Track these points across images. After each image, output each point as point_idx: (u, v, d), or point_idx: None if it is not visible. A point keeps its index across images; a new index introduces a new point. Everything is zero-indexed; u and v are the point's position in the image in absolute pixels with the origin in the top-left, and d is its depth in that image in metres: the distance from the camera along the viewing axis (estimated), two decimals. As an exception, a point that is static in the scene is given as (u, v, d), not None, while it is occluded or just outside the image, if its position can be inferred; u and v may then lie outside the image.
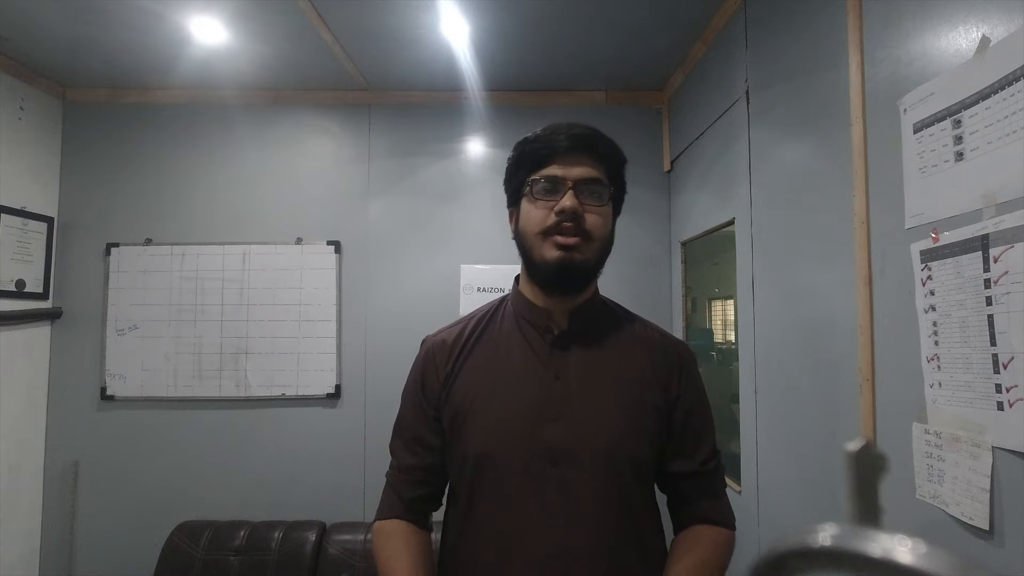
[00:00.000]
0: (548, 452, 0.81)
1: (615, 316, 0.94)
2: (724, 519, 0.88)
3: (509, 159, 0.89)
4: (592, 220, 0.82)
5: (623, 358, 0.88)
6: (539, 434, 0.82)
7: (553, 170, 0.82)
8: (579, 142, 0.83)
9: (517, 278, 0.94)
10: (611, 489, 0.81)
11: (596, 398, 0.84)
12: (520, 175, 0.87)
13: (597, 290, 0.93)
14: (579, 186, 0.82)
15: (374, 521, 0.91)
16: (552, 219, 0.81)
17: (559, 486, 0.80)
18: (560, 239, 0.81)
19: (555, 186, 0.82)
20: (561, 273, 0.83)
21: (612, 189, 0.86)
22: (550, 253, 0.82)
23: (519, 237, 0.88)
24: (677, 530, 0.90)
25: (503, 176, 0.92)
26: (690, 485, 0.89)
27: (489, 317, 0.94)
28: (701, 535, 0.86)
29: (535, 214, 0.83)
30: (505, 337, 0.90)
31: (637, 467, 0.84)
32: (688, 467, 0.88)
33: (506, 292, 0.97)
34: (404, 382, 0.96)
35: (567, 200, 0.80)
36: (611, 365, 0.87)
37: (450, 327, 0.95)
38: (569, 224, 0.81)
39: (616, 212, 0.90)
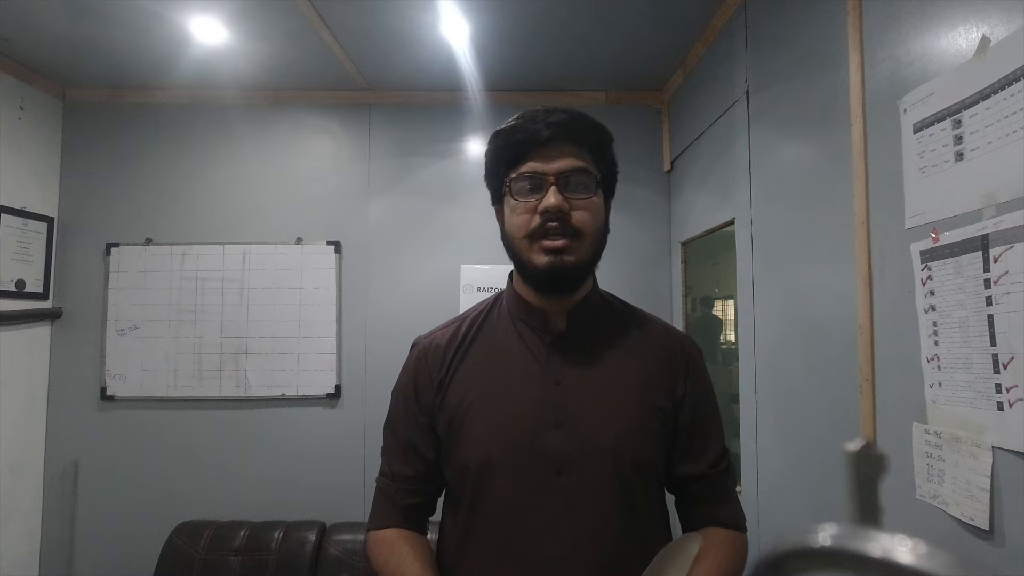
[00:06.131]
0: (551, 460, 0.77)
1: (615, 312, 0.88)
2: (737, 522, 0.84)
3: (486, 152, 0.82)
4: (580, 216, 0.75)
5: (625, 358, 0.83)
6: (541, 441, 0.77)
7: (533, 165, 0.75)
8: (558, 130, 0.75)
9: (511, 275, 0.88)
10: (616, 496, 0.77)
11: (598, 402, 0.79)
12: (499, 171, 0.80)
13: (596, 284, 0.87)
14: (562, 179, 0.75)
15: (368, 530, 0.87)
16: (536, 220, 0.75)
17: (562, 494, 0.76)
18: (547, 243, 0.75)
19: (536, 183, 0.75)
20: (552, 278, 0.77)
21: (600, 176, 0.78)
22: (539, 259, 0.76)
23: (506, 239, 0.82)
24: (686, 532, 0.85)
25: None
26: (700, 488, 0.84)
27: (484, 317, 0.87)
28: (716, 538, 0.81)
29: (518, 216, 0.77)
30: (501, 339, 0.84)
31: (642, 472, 0.79)
32: (697, 470, 0.84)
33: (501, 290, 0.91)
34: None
35: (551, 197, 0.74)
36: (613, 366, 0.82)
37: (443, 328, 0.89)
38: (555, 224, 0.74)
39: (609, 195, 0.83)
